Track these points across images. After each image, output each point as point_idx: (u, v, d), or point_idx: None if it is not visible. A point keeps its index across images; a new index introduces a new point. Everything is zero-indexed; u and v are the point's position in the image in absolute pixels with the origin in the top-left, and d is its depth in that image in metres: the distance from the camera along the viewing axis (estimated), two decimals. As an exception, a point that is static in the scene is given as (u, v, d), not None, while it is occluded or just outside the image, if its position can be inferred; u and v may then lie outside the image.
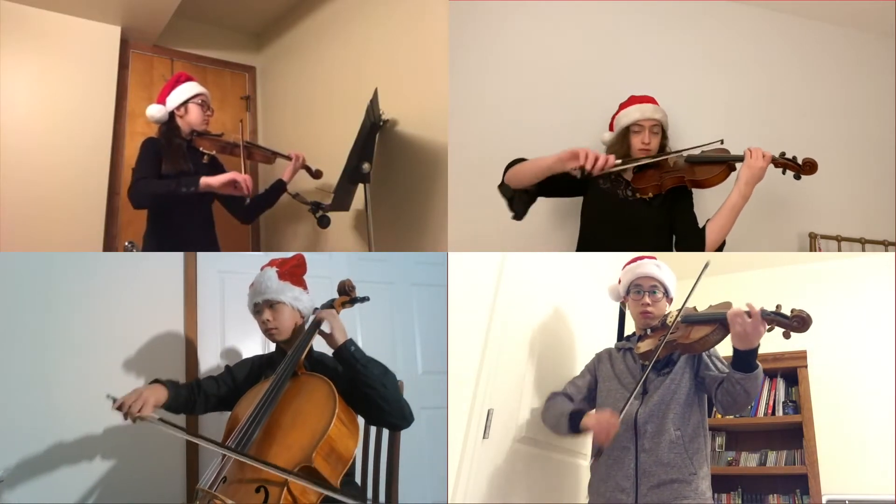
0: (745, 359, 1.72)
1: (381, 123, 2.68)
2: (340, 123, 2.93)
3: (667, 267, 2.09)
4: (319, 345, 1.82)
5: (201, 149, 2.65)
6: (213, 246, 2.70)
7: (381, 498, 1.97)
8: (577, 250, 2.35)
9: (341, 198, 2.64)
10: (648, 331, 2.03)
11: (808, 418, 2.68)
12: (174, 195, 2.42)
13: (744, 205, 2.10)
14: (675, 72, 2.79)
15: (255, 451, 1.58)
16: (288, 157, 2.81)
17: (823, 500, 2.53)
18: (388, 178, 2.75)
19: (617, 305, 2.58)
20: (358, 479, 1.98)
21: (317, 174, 2.87)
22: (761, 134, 2.82)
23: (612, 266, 2.43)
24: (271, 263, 1.97)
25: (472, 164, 2.52)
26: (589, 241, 2.30)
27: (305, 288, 1.97)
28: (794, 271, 2.98)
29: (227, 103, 3.75)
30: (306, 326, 1.91)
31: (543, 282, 2.36)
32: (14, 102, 3.02)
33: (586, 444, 2.32)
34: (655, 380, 1.94)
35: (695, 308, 1.92)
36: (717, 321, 1.77)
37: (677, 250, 2.23)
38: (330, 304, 1.88)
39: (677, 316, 1.92)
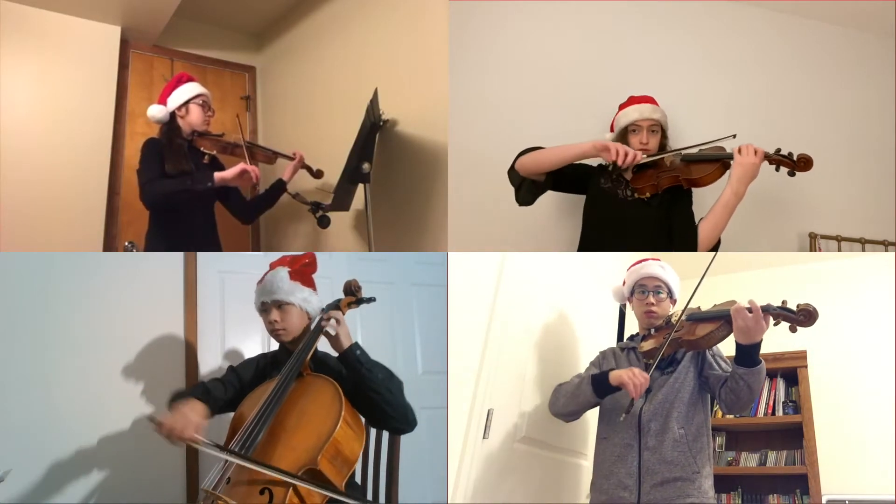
0: (747, 353, 1.73)
1: (381, 123, 2.68)
2: (340, 123, 2.93)
3: (671, 268, 2.10)
4: (323, 345, 1.82)
5: (202, 149, 2.66)
6: (215, 246, 2.71)
7: (381, 498, 1.97)
8: (579, 250, 2.35)
9: (341, 198, 2.64)
10: (652, 330, 2.03)
11: (808, 418, 2.68)
12: (188, 192, 2.44)
13: (737, 202, 2.08)
14: (675, 72, 2.79)
15: (259, 453, 1.58)
16: (289, 157, 2.81)
17: (823, 500, 2.53)
18: (388, 178, 2.75)
19: (617, 305, 2.58)
20: (358, 479, 1.98)
21: (318, 174, 2.87)
22: (761, 134, 2.80)
23: (612, 266, 2.44)
24: (282, 262, 1.95)
25: (472, 164, 2.52)
26: (589, 241, 2.30)
27: (315, 289, 1.96)
28: (794, 271, 2.98)
29: (227, 103, 3.75)
30: (312, 326, 1.90)
31: (543, 282, 2.36)
32: (14, 102, 3.02)
33: (587, 444, 2.33)
34: (659, 378, 1.95)
35: (699, 308, 1.93)
36: (722, 318, 1.79)
37: (671, 250, 2.22)
38: (336, 305, 1.86)
39: (682, 314, 1.93)
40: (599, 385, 1.90)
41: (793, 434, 2.75)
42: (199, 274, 2.51)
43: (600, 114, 2.57)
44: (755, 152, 2.04)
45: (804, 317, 1.68)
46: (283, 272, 1.90)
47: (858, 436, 2.61)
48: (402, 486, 1.95)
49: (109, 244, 3.21)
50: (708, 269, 1.94)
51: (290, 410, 1.67)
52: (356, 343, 1.71)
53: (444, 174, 2.46)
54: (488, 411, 2.03)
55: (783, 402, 2.82)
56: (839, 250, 2.90)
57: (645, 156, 2.16)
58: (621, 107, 2.33)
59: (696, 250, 2.13)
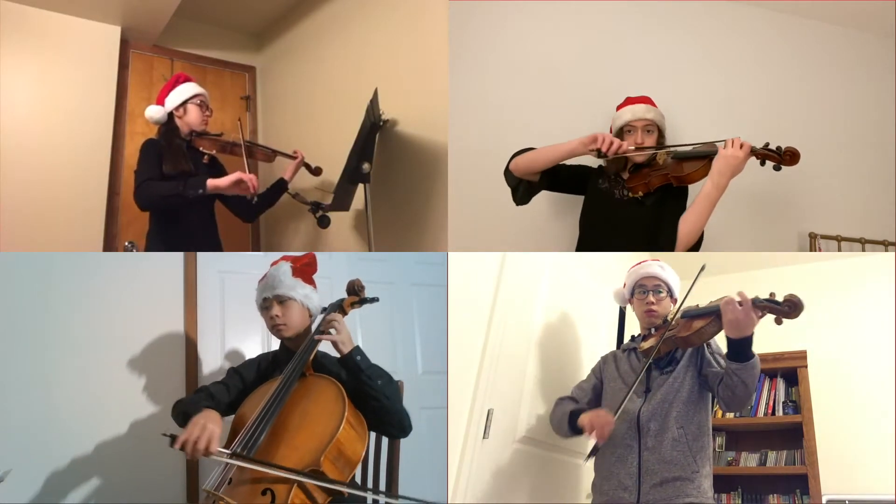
0: (739, 348, 1.72)
1: (381, 123, 2.68)
2: (340, 123, 2.93)
3: (670, 268, 2.10)
4: (324, 345, 1.82)
5: (201, 149, 2.66)
6: (216, 246, 2.71)
7: (381, 498, 1.97)
8: (577, 250, 2.35)
9: (341, 198, 2.64)
10: (652, 330, 2.03)
11: (808, 418, 2.68)
12: (181, 197, 2.42)
13: (719, 195, 2.03)
14: (675, 72, 2.79)
15: (262, 453, 1.57)
16: (289, 156, 2.82)
17: (823, 500, 2.53)
18: (388, 178, 2.75)
19: (616, 304, 2.58)
20: (358, 479, 1.98)
21: (316, 171, 2.88)
22: (760, 134, 2.81)
23: (612, 266, 2.44)
24: (284, 259, 1.96)
25: (472, 164, 2.52)
26: (587, 240, 2.30)
27: (315, 287, 1.97)
28: (794, 271, 2.98)
29: (227, 103, 3.75)
30: (313, 326, 1.90)
31: (543, 282, 2.36)
32: (14, 102, 3.02)
33: (587, 444, 2.32)
34: (658, 378, 1.95)
35: (697, 306, 1.93)
36: (713, 313, 1.79)
37: (655, 248, 2.20)
38: (339, 304, 1.87)
39: (676, 312, 1.94)
40: (574, 422, 1.92)
41: (793, 434, 2.75)
42: (199, 274, 2.51)
43: (600, 114, 2.57)
44: (741, 146, 2.01)
45: (789, 308, 1.66)
46: (286, 266, 1.91)
47: (858, 436, 2.61)
48: (402, 486, 1.95)
49: (109, 244, 3.21)
50: (699, 276, 1.95)
51: (293, 411, 1.67)
52: (357, 347, 1.71)
53: (444, 174, 2.46)
54: (488, 411, 2.03)
55: (783, 402, 2.82)
56: (839, 250, 2.90)
57: (633, 148, 2.18)
58: (618, 108, 2.34)
59: (674, 248, 2.10)
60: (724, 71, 2.86)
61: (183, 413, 1.69)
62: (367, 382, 1.66)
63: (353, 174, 2.53)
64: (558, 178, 2.29)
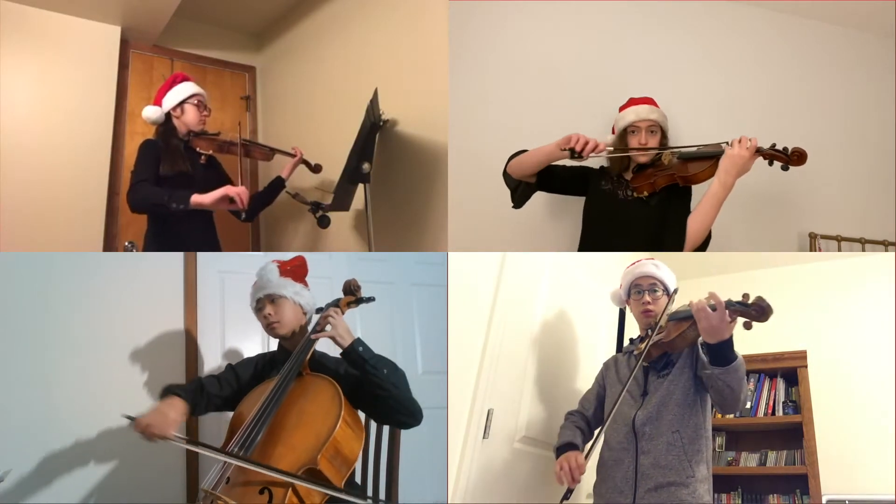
0: (718, 352, 1.70)
1: (381, 123, 2.68)
2: (340, 123, 2.93)
3: (665, 266, 2.09)
4: (322, 345, 1.82)
5: (198, 149, 2.65)
6: (214, 247, 2.71)
7: (381, 498, 1.97)
8: (579, 250, 2.35)
9: (341, 198, 2.64)
10: (649, 331, 2.03)
11: (808, 418, 2.67)
12: (162, 207, 2.38)
13: (725, 194, 2.04)
14: (675, 72, 2.79)
15: (259, 452, 1.58)
16: (288, 153, 2.82)
17: (823, 500, 2.53)
18: (388, 178, 2.75)
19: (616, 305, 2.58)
20: (358, 479, 1.98)
21: (316, 168, 2.88)
22: (761, 134, 2.80)
23: (612, 266, 2.44)
24: (273, 262, 1.98)
25: (472, 164, 2.52)
26: (590, 241, 2.30)
27: (307, 285, 1.98)
28: (794, 271, 2.98)
29: (227, 103, 3.75)
30: (310, 326, 1.91)
31: (543, 282, 2.36)
32: (14, 102, 3.02)
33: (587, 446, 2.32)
34: (655, 381, 1.94)
35: (688, 305, 1.92)
36: (692, 316, 1.75)
37: (661, 248, 2.20)
38: (335, 304, 1.87)
39: (660, 316, 1.92)
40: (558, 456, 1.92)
41: (793, 434, 2.74)
42: (199, 274, 2.51)
43: (600, 114, 2.57)
44: (746, 145, 2.02)
45: (756, 311, 1.63)
46: (272, 266, 1.94)
47: (858, 436, 2.60)
48: (402, 486, 1.95)
49: (109, 244, 3.21)
50: (671, 300, 1.94)
51: (290, 410, 1.67)
52: (358, 339, 1.71)
53: (444, 174, 2.46)
54: (488, 411, 2.03)
55: (783, 402, 2.82)
56: (839, 250, 2.90)
57: (611, 148, 2.18)
58: (621, 109, 2.33)
59: (682, 247, 2.11)
60: (724, 71, 2.86)
61: (160, 397, 1.77)
62: (372, 372, 1.66)
63: (353, 174, 2.53)
64: (555, 179, 2.29)
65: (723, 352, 1.69)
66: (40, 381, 2.16)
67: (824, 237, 2.88)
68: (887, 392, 2.59)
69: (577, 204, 2.49)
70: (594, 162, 2.37)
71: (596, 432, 1.95)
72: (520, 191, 2.32)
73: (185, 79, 2.67)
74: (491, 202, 2.52)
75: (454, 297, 2.06)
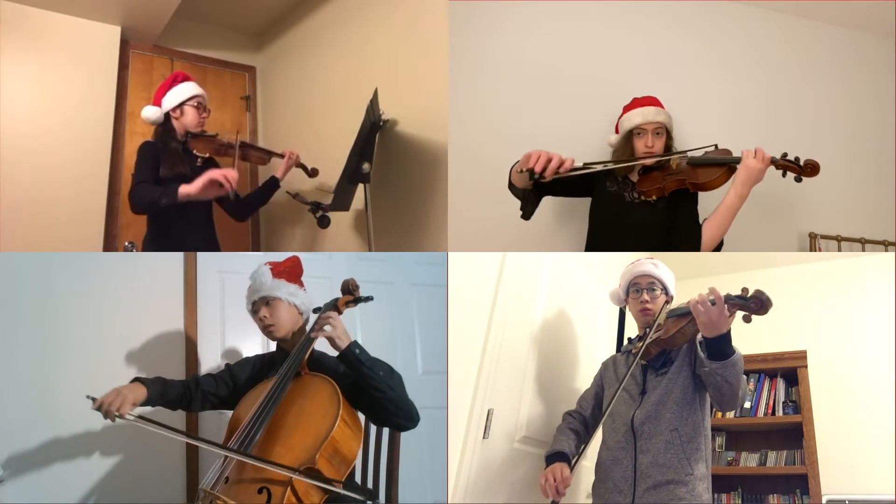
0: (716, 346, 1.70)
1: (381, 123, 2.68)
2: (340, 123, 2.93)
3: (664, 265, 2.09)
4: (321, 345, 1.82)
5: (195, 151, 2.64)
6: (213, 247, 2.70)
7: (381, 498, 1.97)
8: (586, 251, 2.34)
9: (341, 198, 2.64)
10: (647, 330, 2.03)
11: (808, 418, 2.68)
12: (154, 205, 2.37)
13: (740, 205, 2.08)
14: (675, 72, 2.79)
15: (257, 452, 1.58)
16: (281, 156, 2.81)
17: (823, 500, 2.53)
18: (388, 178, 2.75)
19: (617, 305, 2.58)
20: (358, 478, 1.98)
21: (313, 172, 2.87)
22: (761, 134, 2.82)
23: (612, 266, 2.44)
24: (266, 264, 1.98)
25: (472, 164, 2.52)
26: (596, 243, 2.30)
27: (302, 286, 1.97)
28: (794, 271, 2.98)
29: (227, 103, 3.75)
30: (308, 326, 1.91)
31: (543, 282, 2.36)
32: (14, 102, 3.02)
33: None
34: (654, 380, 1.94)
35: (688, 303, 1.92)
36: (691, 312, 1.76)
37: (675, 250, 2.22)
38: (333, 304, 1.87)
39: (659, 313, 1.93)
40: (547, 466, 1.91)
41: (793, 434, 2.75)
42: (199, 274, 2.51)
43: (600, 114, 2.57)
44: (762, 157, 2.03)
45: (755, 304, 1.63)
46: (265, 269, 1.94)
47: (858, 436, 2.61)
48: (402, 486, 1.95)
49: (109, 244, 3.21)
50: (661, 311, 1.93)
51: (288, 410, 1.67)
52: (355, 342, 1.71)
53: (444, 174, 2.46)
54: (488, 411, 2.03)
55: (783, 402, 2.82)
56: (839, 250, 2.90)
57: (580, 165, 2.03)
58: (625, 109, 2.33)
59: (699, 250, 2.13)
60: (724, 71, 2.86)
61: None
62: (368, 375, 1.66)
63: (353, 174, 2.53)
64: (558, 183, 2.17)
65: (721, 346, 1.69)
66: (40, 381, 2.16)
67: (824, 237, 2.88)
68: (887, 392, 2.59)
69: (576, 204, 2.49)
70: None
71: (592, 434, 1.94)
72: (528, 200, 2.24)
73: (186, 78, 2.66)
74: (491, 202, 2.51)
75: (454, 297, 2.06)
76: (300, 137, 3.38)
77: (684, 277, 2.11)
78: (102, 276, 2.35)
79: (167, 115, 2.61)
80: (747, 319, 1.66)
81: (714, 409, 1.99)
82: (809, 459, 2.60)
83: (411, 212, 2.66)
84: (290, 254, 2.05)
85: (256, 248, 3.70)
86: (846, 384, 2.71)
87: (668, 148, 2.28)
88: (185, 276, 2.48)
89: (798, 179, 2.09)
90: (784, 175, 2.11)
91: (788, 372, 2.83)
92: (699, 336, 1.82)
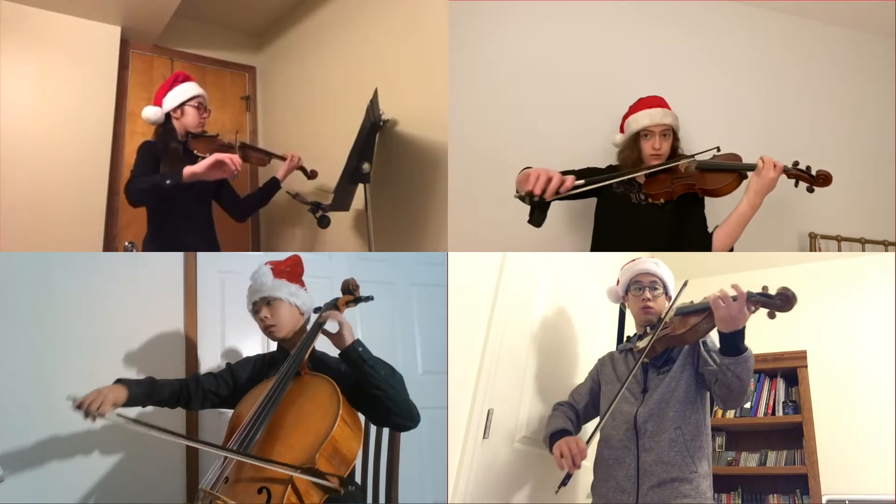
0: (731, 342, 1.71)
1: (381, 123, 2.68)
2: (340, 123, 2.93)
3: (664, 265, 2.10)
4: (321, 344, 1.82)
5: (195, 151, 2.64)
6: (213, 247, 2.70)
7: (381, 498, 1.97)
8: (592, 251, 2.34)
9: (341, 198, 2.64)
10: (648, 329, 2.03)
11: (808, 418, 2.68)
12: (159, 188, 2.35)
13: (753, 214, 2.09)
14: (675, 72, 2.79)
15: (257, 451, 1.58)
16: (282, 158, 2.81)
17: (823, 500, 2.53)
18: (388, 178, 2.75)
19: (616, 305, 2.58)
20: (358, 478, 1.98)
21: (312, 175, 2.87)
22: (761, 134, 2.82)
23: (612, 266, 2.43)
24: (267, 264, 1.98)
25: (472, 164, 2.52)
26: (602, 244, 2.30)
27: (303, 286, 1.97)
28: (794, 271, 2.98)
29: (227, 103, 3.75)
30: (308, 326, 1.91)
31: (543, 282, 2.36)
32: (14, 102, 3.02)
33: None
34: (655, 378, 1.94)
35: (692, 303, 1.93)
36: (706, 309, 1.78)
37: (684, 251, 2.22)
38: (334, 304, 1.87)
39: (668, 310, 1.93)
40: (552, 445, 1.90)
41: (793, 434, 2.75)
42: (199, 274, 2.51)
43: (600, 113, 2.57)
44: (774, 166, 2.04)
45: (781, 301, 1.65)
46: (266, 269, 1.93)
47: (858, 436, 2.61)
48: (402, 486, 1.95)
49: (109, 244, 3.21)
50: (681, 292, 1.95)
51: (288, 409, 1.67)
52: (358, 340, 1.71)
53: (444, 174, 2.46)
54: (488, 411, 2.03)
55: (783, 402, 2.82)
56: (839, 250, 2.90)
57: (581, 182, 1.97)
58: (631, 109, 2.32)
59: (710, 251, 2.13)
60: (724, 71, 2.86)
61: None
62: (370, 373, 1.66)
63: (353, 174, 2.53)
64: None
65: (735, 342, 1.71)
66: (40, 381, 2.16)
67: (824, 237, 2.88)
68: (887, 392, 2.59)
69: (577, 204, 2.49)
70: (603, 162, 2.36)
71: (593, 429, 1.94)
72: (534, 207, 2.13)
73: (187, 78, 2.66)
74: (491, 202, 2.51)
75: (454, 297, 2.06)
76: (300, 137, 3.38)
77: (684, 277, 2.11)
78: (102, 276, 2.34)
79: (168, 116, 2.61)
80: (771, 316, 1.68)
81: (714, 409, 1.99)
82: (809, 459, 2.61)
83: (411, 212, 2.66)
84: (286, 254, 2.05)
85: (256, 248, 3.70)
86: (846, 384, 2.72)
87: (675, 150, 2.28)
88: (185, 276, 2.48)
89: (810, 189, 2.11)
90: (796, 185, 2.12)
91: (788, 372, 2.83)
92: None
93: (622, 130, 2.35)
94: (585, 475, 2.13)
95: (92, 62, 3.25)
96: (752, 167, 2.09)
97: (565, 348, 2.43)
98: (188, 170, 2.33)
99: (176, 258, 2.49)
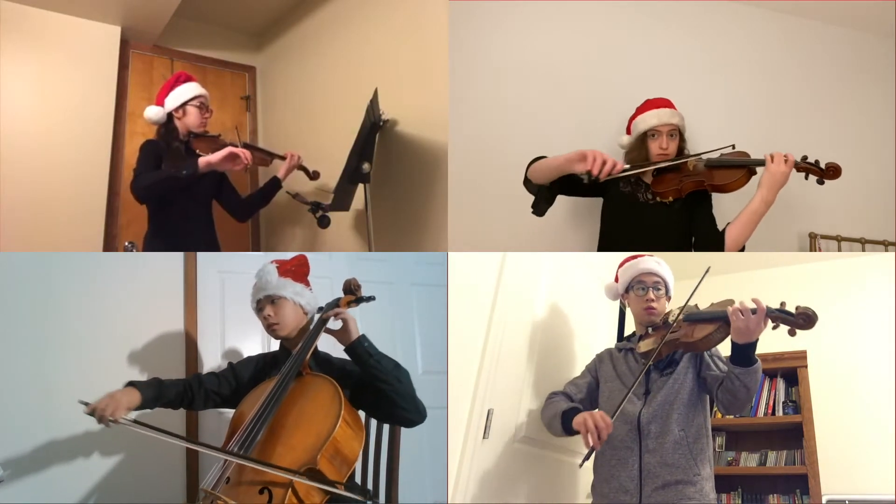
0: (744, 353, 1.72)
1: (381, 123, 2.68)
2: (340, 123, 2.93)
3: (665, 264, 2.10)
4: (324, 345, 1.82)
5: (198, 151, 2.64)
6: (213, 246, 2.70)
7: (381, 498, 1.97)
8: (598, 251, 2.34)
9: (341, 198, 2.64)
10: (649, 329, 2.02)
11: (808, 418, 2.68)
12: (174, 180, 2.39)
13: (766, 211, 2.08)
14: (675, 72, 2.79)
15: (258, 452, 1.58)
16: (282, 157, 2.81)
17: (823, 500, 2.53)
18: (388, 178, 2.75)
19: (616, 305, 2.58)
20: (358, 478, 1.98)
21: (314, 175, 2.87)
22: (760, 134, 2.82)
23: (612, 266, 2.43)
24: (272, 262, 1.97)
25: (472, 164, 2.52)
26: (609, 243, 2.29)
27: (308, 285, 1.97)
28: (794, 271, 2.98)
29: (227, 103, 3.75)
30: (311, 326, 1.91)
31: (543, 282, 2.36)
32: (14, 102, 3.02)
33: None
34: (658, 380, 1.94)
35: (696, 306, 1.92)
36: (721, 319, 1.77)
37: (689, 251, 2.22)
38: (335, 304, 1.87)
39: (679, 314, 1.92)
40: (568, 422, 1.87)
41: (793, 434, 2.75)
42: (199, 274, 2.51)
43: (600, 114, 2.57)
44: (785, 161, 2.04)
45: (803, 320, 1.66)
46: (271, 267, 1.93)
47: (858, 436, 2.61)
48: (402, 486, 1.95)
49: (109, 244, 3.21)
50: (704, 277, 1.93)
51: (290, 410, 1.67)
52: (364, 335, 1.71)
53: (444, 174, 2.46)
54: (488, 411, 2.03)
55: (783, 402, 2.82)
56: (839, 250, 2.90)
57: (627, 166, 2.09)
58: (638, 110, 2.32)
59: (722, 251, 2.13)
60: (724, 71, 2.86)
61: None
62: (376, 367, 1.66)
63: (353, 174, 2.53)
64: (572, 185, 2.22)
65: (748, 353, 1.72)
66: (40, 381, 2.16)
67: (824, 237, 2.88)
68: (887, 392, 2.59)
69: (578, 204, 2.49)
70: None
71: (612, 414, 1.92)
72: (542, 197, 2.24)
73: (188, 79, 2.66)
74: (491, 202, 2.52)
75: (454, 297, 2.06)
76: (300, 137, 3.38)
77: (685, 277, 2.11)
78: (102, 276, 2.34)
79: (169, 115, 2.61)
80: (792, 333, 1.70)
81: (714, 410, 2.00)
82: (809, 459, 2.61)
83: (411, 212, 2.66)
84: (292, 254, 2.04)
85: (256, 248, 3.70)
86: (846, 384, 2.72)
87: (681, 150, 2.28)
88: (185, 276, 2.48)
89: (820, 182, 2.12)
90: (806, 178, 2.11)
91: (788, 372, 2.83)
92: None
93: (629, 132, 2.34)
94: (587, 475, 2.13)
95: (92, 62, 3.25)
96: (761, 162, 2.08)
97: (565, 348, 2.43)
98: (203, 160, 2.41)
99: (176, 258, 2.48)
